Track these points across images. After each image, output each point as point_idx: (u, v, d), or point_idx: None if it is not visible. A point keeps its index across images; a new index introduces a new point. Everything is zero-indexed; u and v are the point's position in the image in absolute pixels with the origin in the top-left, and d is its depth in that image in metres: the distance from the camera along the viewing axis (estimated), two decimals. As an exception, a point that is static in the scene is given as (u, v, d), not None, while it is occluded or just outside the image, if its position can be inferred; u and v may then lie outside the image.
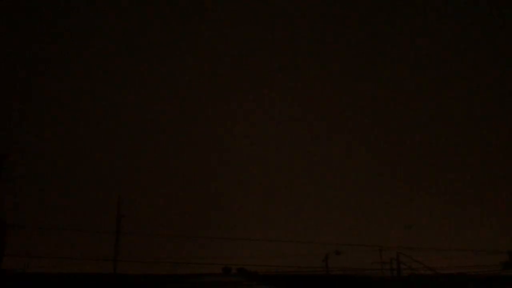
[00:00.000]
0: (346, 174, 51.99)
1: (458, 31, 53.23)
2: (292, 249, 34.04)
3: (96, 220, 35.58)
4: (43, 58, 49.31)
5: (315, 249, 34.17)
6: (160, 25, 53.39)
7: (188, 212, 47.32)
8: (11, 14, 48.15)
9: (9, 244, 23.78)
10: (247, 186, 50.77)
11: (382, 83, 54.58)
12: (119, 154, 48.90)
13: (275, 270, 28.70)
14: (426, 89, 55.21)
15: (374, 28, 53.72)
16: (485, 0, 50.99)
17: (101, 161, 47.55)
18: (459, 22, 52.62)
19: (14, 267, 26.29)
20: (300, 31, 54.46)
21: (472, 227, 43.42)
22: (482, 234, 40.79)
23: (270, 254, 33.19)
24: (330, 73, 55.08)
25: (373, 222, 45.22)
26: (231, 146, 51.92)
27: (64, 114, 50.34)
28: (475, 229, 42.65)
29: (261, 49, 54.40)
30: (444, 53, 53.93)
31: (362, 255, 34.48)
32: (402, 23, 53.17)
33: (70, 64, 50.57)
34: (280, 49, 54.82)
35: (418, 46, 54.06)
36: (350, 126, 54.12)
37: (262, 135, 53.39)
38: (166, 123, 52.82)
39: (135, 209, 37.88)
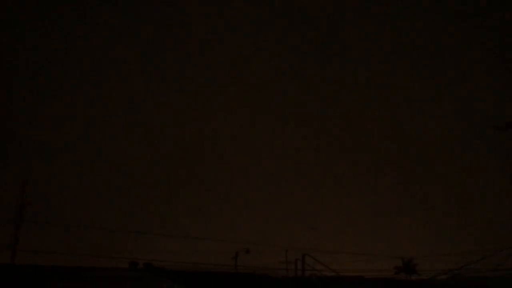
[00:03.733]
0: (258, 177, 53.22)
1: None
2: (204, 245, 34.37)
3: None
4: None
5: (226, 246, 34.76)
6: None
7: (101, 204, 45.95)
8: None
9: None
10: (163, 181, 50.27)
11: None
12: (27, 136, 46.35)
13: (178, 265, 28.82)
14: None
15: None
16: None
17: (6, 143, 44.83)
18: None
19: None
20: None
21: (374, 234, 46.33)
22: (382, 240, 43.66)
23: (183, 250, 33.26)
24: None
25: (283, 223, 46.74)
26: (148, 140, 51.19)
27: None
28: (377, 236, 45.57)
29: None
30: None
31: (271, 254, 35.66)
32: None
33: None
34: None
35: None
36: (268, 130, 55.39)
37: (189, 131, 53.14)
38: (79, 110, 50.85)
39: (42, 196, 36.17)
